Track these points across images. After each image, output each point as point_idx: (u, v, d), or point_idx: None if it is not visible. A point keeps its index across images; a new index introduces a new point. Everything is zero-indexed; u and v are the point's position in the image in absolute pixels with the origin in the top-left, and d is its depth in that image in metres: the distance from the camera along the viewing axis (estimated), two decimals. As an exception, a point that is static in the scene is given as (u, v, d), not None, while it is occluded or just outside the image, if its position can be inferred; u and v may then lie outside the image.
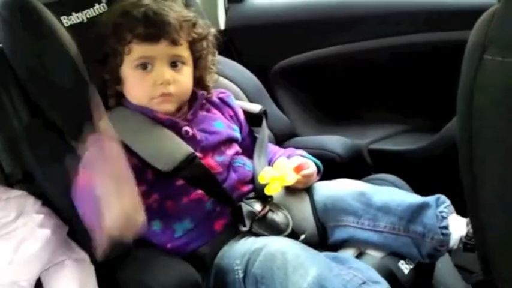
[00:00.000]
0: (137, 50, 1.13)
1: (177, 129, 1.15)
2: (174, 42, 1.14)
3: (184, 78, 1.17)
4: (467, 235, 1.06)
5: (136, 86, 1.15)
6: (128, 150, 1.09)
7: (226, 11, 1.78)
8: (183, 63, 1.17)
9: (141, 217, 0.91)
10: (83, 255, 1.18)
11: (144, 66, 1.14)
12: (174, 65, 1.15)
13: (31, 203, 1.18)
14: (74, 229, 1.18)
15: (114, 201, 0.88)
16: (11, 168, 1.26)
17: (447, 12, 1.43)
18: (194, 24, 1.19)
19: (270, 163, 1.24)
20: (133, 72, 1.14)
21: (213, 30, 1.25)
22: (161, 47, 1.13)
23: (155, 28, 1.12)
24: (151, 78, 1.13)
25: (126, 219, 0.88)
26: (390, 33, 1.52)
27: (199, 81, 1.23)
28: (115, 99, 1.19)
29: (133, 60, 1.14)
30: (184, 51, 1.17)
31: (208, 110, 1.25)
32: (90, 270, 1.17)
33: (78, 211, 1.01)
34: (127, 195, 0.90)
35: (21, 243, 1.11)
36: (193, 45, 1.19)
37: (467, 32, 0.79)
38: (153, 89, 1.13)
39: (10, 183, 1.25)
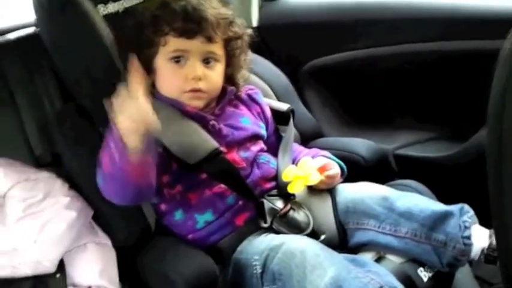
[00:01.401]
0: (173, 43, 1.14)
1: (204, 123, 1.16)
2: (210, 39, 1.15)
3: (216, 75, 1.18)
4: (489, 247, 1.05)
5: (167, 79, 1.17)
6: (156, 141, 1.11)
7: (260, 8, 1.79)
8: (216, 60, 1.18)
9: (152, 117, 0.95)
10: (105, 239, 1.20)
11: (177, 59, 1.15)
12: (206, 61, 1.16)
13: (59, 185, 1.21)
14: (99, 214, 1.20)
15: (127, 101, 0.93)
16: (41, 151, 1.30)
17: (481, 20, 1.41)
18: (231, 23, 1.20)
19: (294, 162, 1.24)
20: (167, 64, 1.16)
21: (248, 30, 1.25)
22: (196, 42, 1.14)
23: (193, 23, 1.13)
24: (183, 73, 1.14)
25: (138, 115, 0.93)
26: (424, 39, 1.51)
27: (230, 79, 1.24)
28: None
29: (168, 53, 1.15)
30: (218, 49, 1.18)
31: (235, 106, 1.26)
32: (112, 254, 1.19)
33: (103, 190, 1.05)
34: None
35: (47, 224, 1.13)
36: (228, 43, 1.20)
37: (501, 42, 0.79)
38: (184, 83, 1.15)
39: (39, 165, 1.28)
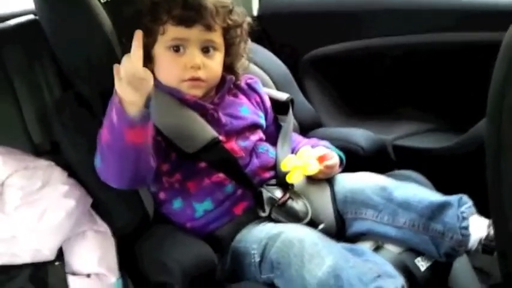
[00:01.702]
0: (171, 31, 1.14)
1: (203, 112, 1.16)
2: (209, 28, 1.14)
3: (215, 64, 1.18)
4: (487, 237, 1.05)
5: (166, 67, 1.17)
6: (154, 129, 1.10)
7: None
8: (215, 49, 1.18)
9: (150, 77, 0.95)
10: (104, 227, 1.21)
11: (176, 48, 1.15)
12: (205, 50, 1.16)
13: (58, 174, 1.21)
14: (97, 202, 1.20)
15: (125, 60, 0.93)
16: (40, 139, 1.29)
17: (481, 12, 1.41)
18: (230, 11, 1.19)
19: (293, 152, 1.24)
20: (165, 53, 1.16)
21: (248, 19, 1.25)
22: (195, 31, 1.14)
23: (192, 11, 1.13)
24: (182, 61, 1.14)
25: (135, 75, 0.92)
26: (424, 30, 1.50)
27: (229, 68, 1.24)
28: None
29: (167, 41, 1.15)
30: (217, 37, 1.17)
31: (235, 95, 1.26)
32: (111, 242, 1.19)
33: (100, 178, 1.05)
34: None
35: (45, 212, 1.13)
36: (227, 31, 1.20)
37: (501, 34, 0.79)
38: (183, 71, 1.15)
39: (38, 153, 1.28)
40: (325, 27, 1.68)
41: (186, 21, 1.13)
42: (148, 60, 1.17)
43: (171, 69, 1.16)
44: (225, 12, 1.18)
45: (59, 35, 1.21)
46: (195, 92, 1.17)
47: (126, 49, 1.16)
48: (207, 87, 1.18)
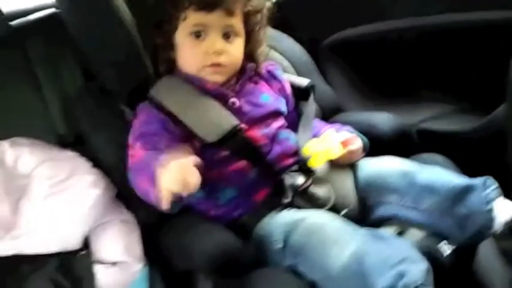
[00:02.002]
0: (192, 17, 1.14)
1: (224, 100, 1.16)
2: (229, 12, 1.14)
3: (236, 49, 1.17)
4: (512, 220, 1.04)
5: (188, 54, 1.16)
6: (176, 120, 1.11)
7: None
8: (236, 34, 1.17)
9: (195, 177, 0.93)
10: (129, 216, 1.23)
11: (197, 34, 1.14)
12: (226, 35, 1.15)
13: (83, 164, 1.23)
14: (122, 191, 1.22)
15: (171, 164, 0.92)
16: (65, 130, 1.32)
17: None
18: None
19: (315, 137, 1.23)
20: (187, 39, 1.15)
21: (268, 4, 1.24)
22: (216, 16, 1.13)
23: None
24: (203, 47, 1.14)
25: (181, 178, 0.91)
26: (446, 10, 1.47)
27: (250, 54, 1.23)
28: (166, 65, 1.21)
29: (188, 27, 1.15)
30: (237, 22, 1.17)
31: (256, 82, 1.25)
32: (136, 231, 1.21)
33: (129, 180, 1.05)
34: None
35: (71, 202, 1.16)
36: (247, 17, 1.19)
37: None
38: (204, 57, 1.14)
39: (63, 145, 1.30)
40: (343, 11, 1.65)
41: (207, 6, 1.12)
42: (170, 48, 1.18)
43: (192, 56, 1.16)
44: None
45: (80, 27, 1.21)
46: (217, 78, 1.17)
47: (148, 37, 1.18)
48: (228, 73, 1.18)
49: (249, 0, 1.18)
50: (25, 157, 1.20)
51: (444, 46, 1.58)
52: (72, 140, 1.31)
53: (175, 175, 0.91)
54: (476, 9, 1.42)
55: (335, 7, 1.68)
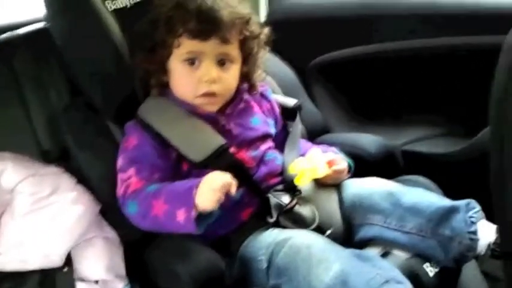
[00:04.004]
0: (186, 45, 1.12)
1: (214, 123, 1.16)
2: (225, 41, 1.12)
3: (230, 77, 1.17)
4: (495, 242, 1.04)
5: (181, 81, 1.15)
6: (165, 142, 1.11)
7: (268, 3, 1.78)
8: (231, 61, 1.16)
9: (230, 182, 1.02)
10: (112, 234, 1.22)
11: (191, 61, 1.13)
12: (221, 62, 1.14)
13: (66, 180, 1.22)
14: (106, 207, 1.21)
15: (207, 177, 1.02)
16: (49, 146, 1.31)
17: (490, 14, 1.40)
18: (247, 22, 1.17)
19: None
20: (181, 66, 1.14)
21: (266, 29, 1.23)
22: (211, 44, 1.11)
23: (207, 24, 1.10)
24: (197, 75, 1.13)
25: (221, 185, 1.00)
26: (431, 34, 1.50)
27: (245, 77, 1.22)
28: (158, 89, 1.20)
29: (182, 54, 1.13)
30: (233, 50, 1.16)
31: (246, 102, 1.25)
32: (119, 248, 1.20)
33: (125, 207, 1.08)
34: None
35: (54, 218, 1.15)
36: (244, 43, 1.18)
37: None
38: (198, 86, 1.13)
39: (48, 160, 1.29)
40: (332, 32, 1.67)
41: (201, 35, 1.11)
42: (163, 72, 1.17)
43: (185, 83, 1.15)
44: (242, 24, 1.16)
45: (68, 43, 1.21)
46: (210, 108, 1.17)
47: (138, 60, 1.18)
48: (221, 101, 1.18)
49: (245, 26, 1.17)
50: (8, 172, 1.19)
51: (428, 69, 1.61)
52: (57, 155, 1.30)
53: (214, 183, 1.00)
54: (462, 34, 1.45)
55: (322, 29, 1.70)
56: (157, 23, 1.15)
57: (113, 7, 1.23)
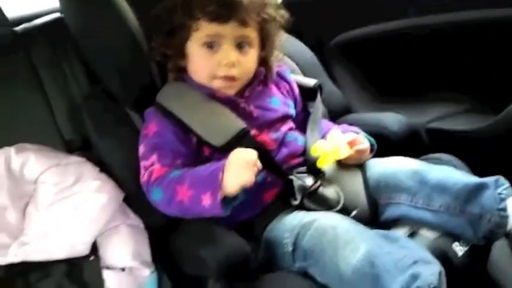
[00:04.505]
0: (205, 28, 1.12)
1: (234, 106, 1.15)
2: (243, 23, 1.12)
3: (249, 60, 1.16)
4: (526, 218, 1.02)
5: (200, 64, 1.15)
6: (185, 127, 1.11)
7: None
8: (250, 45, 1.15)
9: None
10: (137, 221, 1.22)
11: (210, 45, 1.13)
12: (240, 46, 1.14)
13: (89, 169, 1.22)
14: (130, 195, 1.21)
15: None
16: (71, 135, 1.31)
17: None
18: (265, 5, 1.16)
19: (323, 138, 1.22)
20: (199, 49, 1.14)
21: (282, 12, 1.22)
22: (229, 27, 1.11)
23: (226, 7, 1.10)
24: (216, 58, 1.12)
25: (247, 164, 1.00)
26: (455, 8, 1.46)
27: (263, 60, 1.22)
28: (176, 73, 1.19)
29: (200, 38, 1.13)
30: (252, 32, 1.15)
31: (265, 84, 1.24)
32: (144, 235, 1.21)
33: (150, 194, 1.08)
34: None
35: (79, 207, 1.15)
36: (262, 25, 1.17)
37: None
38: (217, 69, 1.13)
39: (70, 150, 1.30)
40: (349, 10, 1.65)
41: (220, 18, 1.10)
42: (181, 57, 1.16)
43: (204, 67, 1.14)
44: (260, 7, 1.15)
45: (84, 33, 1.21)
46: (229, 91, 1.16)
47: (155, 45, 1.17)
48: (240, 85, 1.17)
49: (264, 9, 1.16)
50: (31, 163, 1.19)
51: (452, 45, 1.57)
52: (79, 144, 1.30)
53: (243, 161, 1.00)
54: (486, 7, 1.41)
55: (340, 7, 1.67)
56: (175, 7, 1.14)
57: (129, -6, 1.22)
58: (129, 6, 1.19)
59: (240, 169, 1.00)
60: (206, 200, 1.00)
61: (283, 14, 1.21)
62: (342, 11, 1.67)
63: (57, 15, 1.38)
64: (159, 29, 1.17)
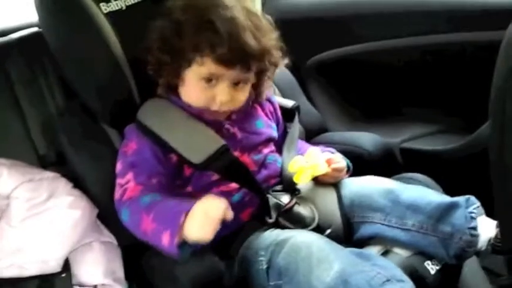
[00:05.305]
0: (210, 66, 1.08)
1: (218, 127, 1.15)
2: (248, 69, 1.11)
3: (243, 95, 1.15)
4: (496, 237, 1.04)
5: (194, 95, 1.13)
6: (165, 146, 1.10)
7: (263, 4, 1.78)
8: (246, 82, 1.14)
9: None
10: (110, 238, 1.21)
11: (209, 79, 1.10)
12: (236, 83, 1.12)
13: (63, 185, 1.21)
14: (104, 212, 1.20)
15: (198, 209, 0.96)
16: (45, 150, 1.30)
17: (486, 11, 1.40)
18: (271, 50, 1.14)
19: (300, 156, 1.23)
20: (197, 82, 1.11)
21: (285, 60, 1.21)
22: (233, 71, 1.09)
23: (236, 53, 1.07)
24: (212, 93, 1.11)
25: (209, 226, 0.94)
26: (427, 31, 1.50)
27: (255, 87, 1.21)
28: (166, 89, 1.17)
29: (202, 73, 1.10)
30: (251, 74, 1.14)
31: (251, 106, 1.24)
32: (117, 253, 1.20)
33: (120, 212, 1.06)
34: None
35: (51, 223, 1.14)
36: (263, 68, 1.16)
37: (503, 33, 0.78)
38: (211, 101, 1.12)
39: (44, 165, 1.28)
40: (328, 31, 1.67)
41: (228, 62, 1.08)
42: (176, 78, 1.14)
43: (199, 98, 1.13)
44: (268, 54, 1.14)
45: (62, 47, 1.20)
46: (217, 117, 1.16)
47: (151, 59, 1.15)
48: (229, 112, 1.17)
49: (269, 55, 1.14)
50: (4, 178, 1.17)
51: (426, 66, 1.60)
52: (53, 160, 1.29)
53: (211, 211, 0.94)
54: (459, 31, 1.44)
55: (318, 28, 1.69)
56: (181, 34, 1.10)
57: (108, 9, 1.20)
58: (109, 23, 1.19)
59: (201, 222, 0.94)
60: (165, 239, 0.97)
61: (285, 59, 1.21)
62: (319, 32, 1.69)
63: (34, 29, 1.37)
64: (163, 50, 1.12)
